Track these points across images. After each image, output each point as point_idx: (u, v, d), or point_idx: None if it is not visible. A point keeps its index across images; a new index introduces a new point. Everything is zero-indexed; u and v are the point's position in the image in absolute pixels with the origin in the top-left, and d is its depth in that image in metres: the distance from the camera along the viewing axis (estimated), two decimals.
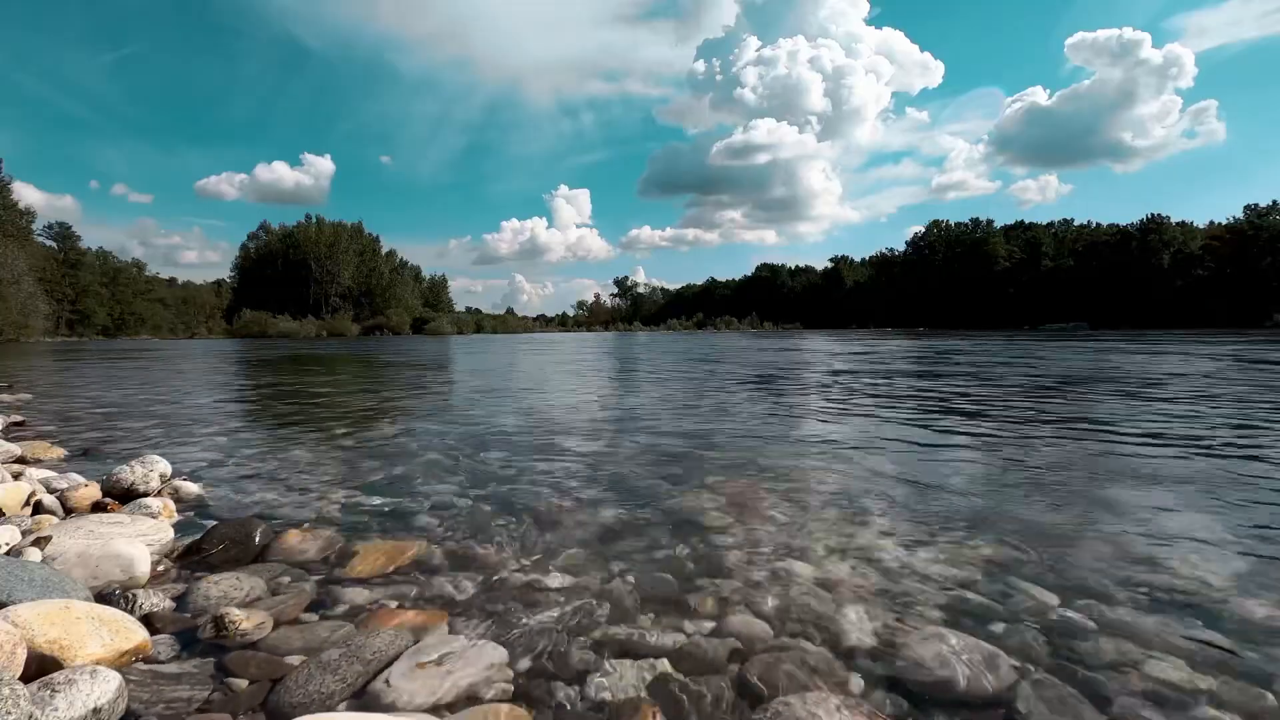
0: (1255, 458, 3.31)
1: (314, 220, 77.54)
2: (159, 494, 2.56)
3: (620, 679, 1.30)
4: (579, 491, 2.76)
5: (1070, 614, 1.57)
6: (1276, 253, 55.56)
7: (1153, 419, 4.57)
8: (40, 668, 1.20)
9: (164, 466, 2.74)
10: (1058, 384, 7.38)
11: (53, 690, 1.09)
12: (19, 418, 4.91)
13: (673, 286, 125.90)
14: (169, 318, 68.90)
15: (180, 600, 1.65)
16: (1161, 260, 61.49)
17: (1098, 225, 71.95)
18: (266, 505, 2.57)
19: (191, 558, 1.95)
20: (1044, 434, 4.11)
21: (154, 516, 2.25)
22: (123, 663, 1.31)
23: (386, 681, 1.25)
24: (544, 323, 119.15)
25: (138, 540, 1.88)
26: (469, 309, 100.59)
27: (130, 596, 1.59)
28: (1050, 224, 76.01)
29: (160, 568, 1.87)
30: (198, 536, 2.06)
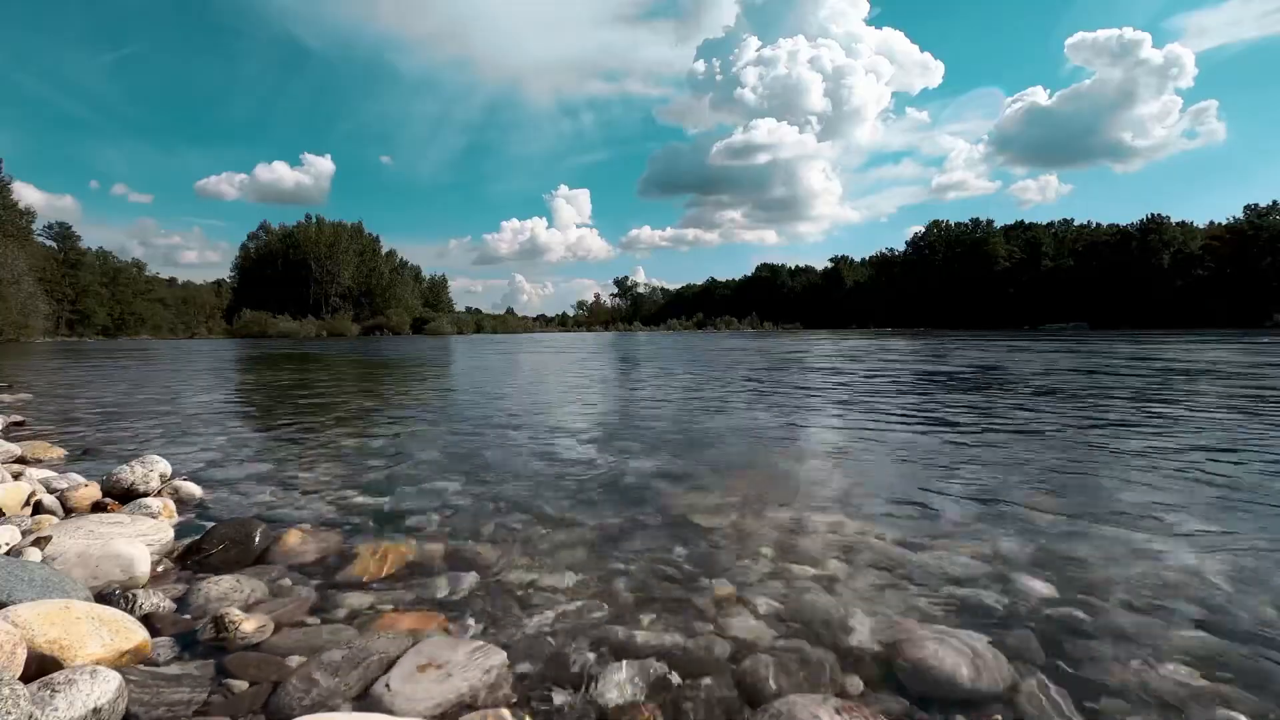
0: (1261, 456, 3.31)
1: (314, 220, 77.64)
2: (159, 494, 2.56)
3: (620, 680, 1.30)
4: (579, 491, 2.76)
5: (1071, 613, 1.57)
6: (1276, 253, 55.57)
7: (1154, 418, 4.57)
8: (40, 668, 1.20)
9: (164, 466, 2.74)
10: (1057, 384, 7.38)
11: (53, 690, 1.09)
12: (19, 418, 4.91)
13: (673, 286, 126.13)
14: (169, 318, 68.88)
15: (180, 601, 1.65)
16: (1161, 260, 61.49)
17: (1098, 225, 71.96)
18: (267, 505, 2.57)
19: (192, 558, 1.95)
20: (1043, 434, 4.11)
21: (154, 517, 2.24)
22: (123, 663, 1.31)
23: (387, 685, 1.25)
24: (544, 323, 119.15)
25: (138, 540, 1.88)
26: (469, 309, 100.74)
27: (130, 597, 1.59)
28: (1050, 224, 76.02)
29: (160, 568, 1.87)
30: (198, 537, 2.05)
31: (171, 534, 2.06)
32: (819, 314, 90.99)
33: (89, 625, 1.33)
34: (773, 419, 5.02)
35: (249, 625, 1.48)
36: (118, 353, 21.51)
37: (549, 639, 1.47)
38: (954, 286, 75.50)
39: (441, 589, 1.75)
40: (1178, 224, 63.62)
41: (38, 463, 3.24)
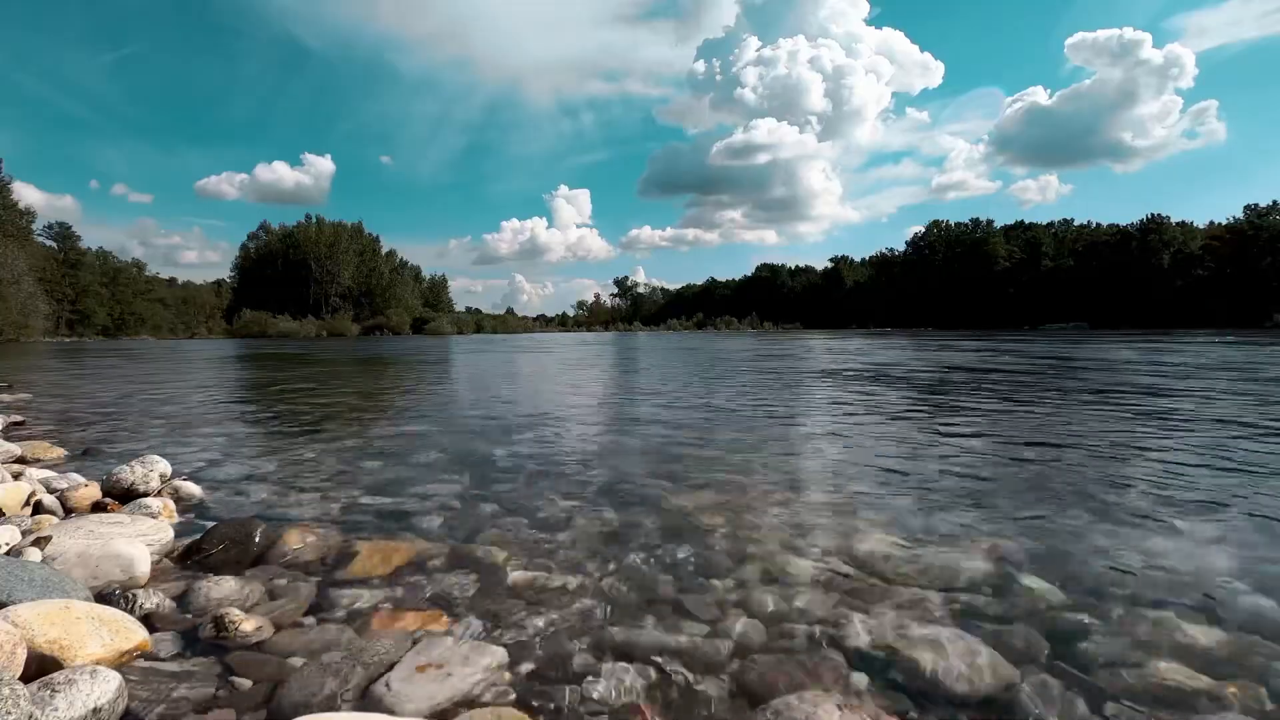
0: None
1: (314, 220, 77.57)
2: (159, 494, 2.56)
3: (620, 680, 1.30)
4: (578, 491, 2.76)
5: (1071, 612, 1.57)
6: (1276, 253, 55.54)
7: (1155, 415, 4.57)
8: (40, 668, 1.20)
9: (164, 466, 2.74)
10: (1058, 384, 7.38)
11: (53, 690, 1.09)
12: (19, 418, 4.92)
13: (673, 286, 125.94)
14: (169, 318, 68.80)
15: (180, 600, 1.65)
16: (1161, 260, 61.46)
17: (1098, 225, 71.91)
18: (266, 505, 2.57)
19: (192, 558, 1.95)
20: (1045, 434, 4.11)
21: (154, 516, 2.24)
22: (123, 663, 1.31)
23: (387, 684, 1.25)
24: (544, 323, 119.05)
25: (138, 540, 1.88)
26: (469, 309, 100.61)
27: (130, 596, 1.59)
28: (1050, 224, 75.97)
29: (160, 568, 1.87)
30: (198, 537, 2.05)
31: (171, 534, 2.06)
32: (819, 314, 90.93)
33: (89, 625, 1.33)
34: (772, 418, 5.02)
35: (249, 625, 1.48)
36: (117, 353, 21.51)
37: (548, 638, 1.47)
38: (954, 286, 75.47)
39: (441, 587, 1.75)
40: (1178, 224, 63.59)
41: (38, 463, 3.24)
